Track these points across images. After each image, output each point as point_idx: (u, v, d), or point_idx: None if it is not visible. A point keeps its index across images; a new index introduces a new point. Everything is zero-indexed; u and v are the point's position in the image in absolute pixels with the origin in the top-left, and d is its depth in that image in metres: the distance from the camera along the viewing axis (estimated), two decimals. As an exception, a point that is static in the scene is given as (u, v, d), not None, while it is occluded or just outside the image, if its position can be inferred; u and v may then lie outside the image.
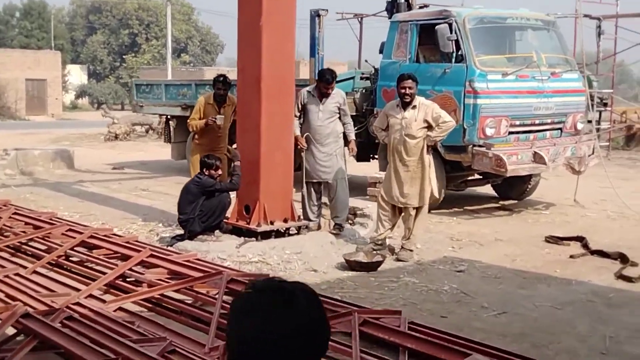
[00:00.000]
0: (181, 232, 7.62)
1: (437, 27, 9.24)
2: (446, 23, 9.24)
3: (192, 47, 58.34)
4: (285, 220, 7.53)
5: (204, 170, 7.56)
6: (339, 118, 8.00)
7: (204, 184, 7.44)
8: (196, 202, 7.45)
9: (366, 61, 11.29)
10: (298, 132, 7.96)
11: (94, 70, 58.18)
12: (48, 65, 41.34)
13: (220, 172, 7.58)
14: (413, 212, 7.18)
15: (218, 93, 8.57)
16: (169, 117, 14.17)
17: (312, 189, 8.06)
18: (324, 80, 7.80)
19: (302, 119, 8.04)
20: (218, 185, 7.44)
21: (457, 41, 9.27)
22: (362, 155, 10.48)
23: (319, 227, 8.12)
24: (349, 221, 8.40)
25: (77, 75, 55.58)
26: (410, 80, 6.98)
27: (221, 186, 7.46)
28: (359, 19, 15.64)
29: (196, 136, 8.67)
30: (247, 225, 7.39)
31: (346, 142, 8.13)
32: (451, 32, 9.19)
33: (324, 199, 8.27)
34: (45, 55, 42.49)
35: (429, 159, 7.09)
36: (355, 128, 9.51)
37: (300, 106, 7.94)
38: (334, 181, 8.00)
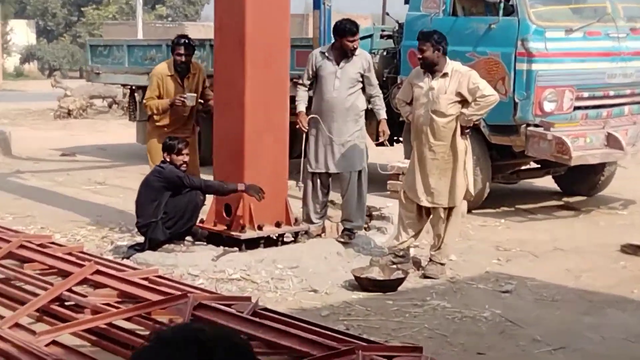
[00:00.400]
0: (142, 239, 7.59)
1: None
2: None
3: (170, -4, 58.30)
4: (278, 225, 7.52)
5: (165, 155, 7.53)
6: (362, 89, 7.97)
7: (167, 175, 7.40)
8: (159, 201, 7.41)
9: (388, 14, 11.24)
10: (303, 108, 7.93)
11: (44, 27, 58.34)
12: (-18, 20, 41.35)
13: (186, 157, 7.53)
14: (444, 214, 7.09)
15: (179, 60, 8.38)
16: (133, 87, 14.17)
17: (317, 182, 8.02)
18: (347, 32, 7.74)
19: (312, 90, 8.04)
20: (187, 179, 7.39)
21: None
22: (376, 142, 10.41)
23: (322, 231, 8.10)
24: (364, 225, 8.38)
25: (23, 33, 55.77)
26: (425, 43, 7.00)
27: (191, 181, 7.42)
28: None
29: (155, 117, 8.51)
30: (228, 231, 7.38)
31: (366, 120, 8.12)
32: None
33: (333, 196, 8.27)
34: (-21, 7, 42.50)
35: (464, 144, 7.00)
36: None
37: (311, 72, 7.93)
38: (348, 174, 7.95)
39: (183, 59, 8.35)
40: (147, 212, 7.41)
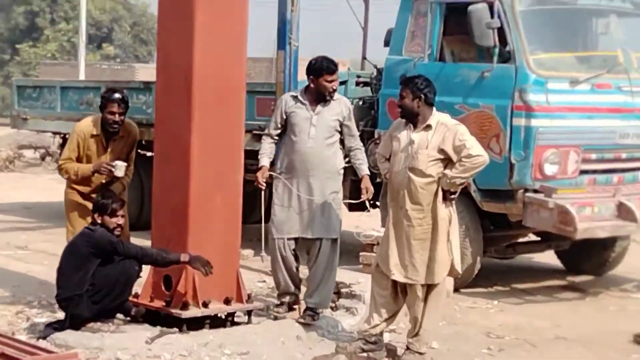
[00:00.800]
0: (63, 315, 7.39)
1: (470, 7, 9.20)
2: (485, 2, 9.18)
3: (120, 33, 58.41)
4: (228, 301, 7.40)
5: (97, 216, 7.39)
6: (341, 141, 7.94)
7: (97, 240, 7.23)
8: (85, 270, 7.22)
9: (365, 58, 11.25)
10: (266, 162, 7.88)
11: (-29, 66, 58.17)
12: None
13: (120, 219, 7.40)
14: (421, 293, 6.95)
15: (111, 120, 7.97)
16: (66, 136, 13.95)
17: (285, 247, 7.90)
18: (325, 70, 7.69)
19: (278, 140, 8.00)
20: (121, 245, 7.24)
21: (501, 29, 9.22)
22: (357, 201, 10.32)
23: (294, 304, 8.01)
24: (330, 304, 8.25)
25: (-55, 72, 55.57)
26: (405, 88, 6.98)
27: (126, 248, 7.26)
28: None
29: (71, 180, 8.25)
30: (167, 308, 7.22)
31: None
32: (492, 16, 9.14)
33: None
34: None
35: (448, 212, 6.87)
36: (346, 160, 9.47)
37: (279, 120, 7.90)
38: (319, 241, 7.85)
39: (116, 118, 7.95)
40: (70, 282, 7.22)
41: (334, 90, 7.76)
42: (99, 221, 7.30)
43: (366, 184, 7.88)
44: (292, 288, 7.97)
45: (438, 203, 6.84)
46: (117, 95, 8.03)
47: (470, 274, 9.45)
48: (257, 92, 11.25)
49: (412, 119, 6.93)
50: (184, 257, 7.04)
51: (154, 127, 7.66)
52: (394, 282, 7.05)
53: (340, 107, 7.86)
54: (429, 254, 6.89)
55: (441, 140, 6.82)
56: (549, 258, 11.16)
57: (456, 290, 9.25)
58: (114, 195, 7.61)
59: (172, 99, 7.32)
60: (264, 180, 7.77)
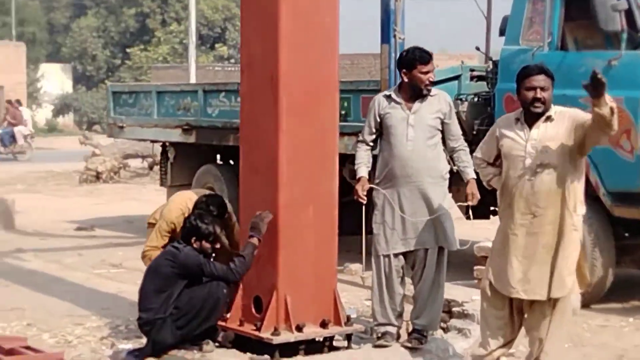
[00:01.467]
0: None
1: None
2: None
3: (234, 33, 58.98)
4: (324, 324, 7.27)
5: (192, 240, 7.33)
6: (442, 140, 7.67)
7: (183, 260, 7.20)
8: (169, 292, 7.22)
9: (477, 49, 10.92)
10: (364, 172, 7.63)
11: (82, 72, 59.70)
12: (7, 64, 42.32)
13: (218, 244, 7.39)
14: (547, 311, 6.58)
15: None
16: (166, 145, 14.26)
17: (389, 267, 7.62)
18: (418, 59, 7.45)
19: (378, 146, 7.77)
20: (209, 267, 7.19)
21: (629, 12, 9.03)
22: (475, 208, 10.00)
23: (398, 337, 7.71)
24: (441, 324, 8.04)
25: (57, 79, 57.13)
26: (542, 76, 6.55)
27: (213, 268, 7.20)
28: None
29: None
30: (256, 333, 7.10)
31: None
32: None
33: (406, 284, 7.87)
34: (2, 49, 43.69)
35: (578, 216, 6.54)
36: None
37: (373, 124, 7.66)
38: (424, 251, 7.58)
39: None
40: (153, 305, 7.22)
41: (431, 83, 7.49)
42: (196, 246, 7.28)
43: (472, 189, 7.58)
44: (392, 319, 7.63)
45: (568, 204, 6.53)
46: (213, 207, 7.70)
47: (602, 288, 9.20)
48: (362, 91, 11.06)
49: (543, 113, 6.57)
50: (254, 240, 7.02)
51: (239, 134, 7.57)
52: (511, 300, 6.69)
53: (440, 103, 7.58)
54: (554, 266, 6.51)
55: (571, 125, 6.51)
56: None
57: (585, 306, 9.05)
58: (215, 209, 7.58)
59: (258, 102, 7.24)
60: (364, 193, 7.51)
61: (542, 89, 6.49)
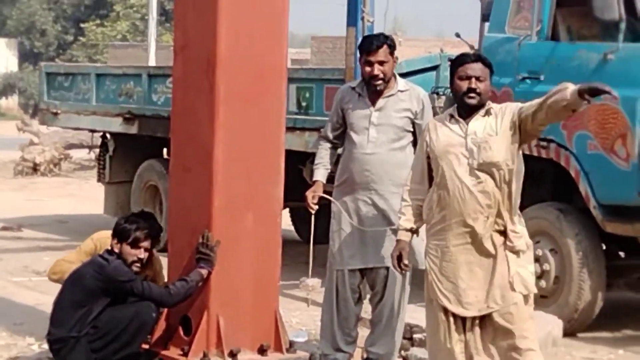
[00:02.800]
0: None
1: None
2: None
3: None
4: (263, 350, 7.23)
5: (115, 242, 7.32)
6: (413, 142, 7.54)
7: (111, 273, 7.14)
8: (88, 308, 7.15)
9: (457, 35, 10.92)
10: (320, 176, 7.60)
11: (30, 49, 59.66)
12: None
13: (142, 252, 7.30)
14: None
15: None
16: (106, 135, 14.31)
17: (343, 283, 7.58)
18: (365, 48, 7.35)
19: (339, 144, 7.72)
20: (139, 285, 7.12)
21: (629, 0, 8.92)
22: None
23: None
24: (400, 353, 7.95)
25: (1, 56, 56.97)
26: (479, 65, 6.46)
27: (146, 288, 7.14)
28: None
29: None
30: (183, 358, 7.04)
31: None
32: None
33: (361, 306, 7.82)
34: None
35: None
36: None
37: (336, 119, 7.62)
38: (385, 270, 7.48)
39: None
40: (68, 320, 7.14)
41: (376, 77, 7.30)
42: (117, 250, 7.25)
43: None
44: (342, 345, 7.55)
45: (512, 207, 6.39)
46: (143, 228, 7.43)
47: (590, 315, 9.09)
48: (325, 80, 10.99)
49: (480, 106, 6.45)
50: (203, 271, 6.99)
51: (171, 128, 7.51)
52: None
53: (411, 99, 7.45)
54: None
55: (509, 117, 6.35)
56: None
57: (570, 334, 8.96)
58: (144, 221, 7.42)
59: (191, 89, 7.20)
60: (314, 201, 7.43)
61: (477, 78, 6.39)
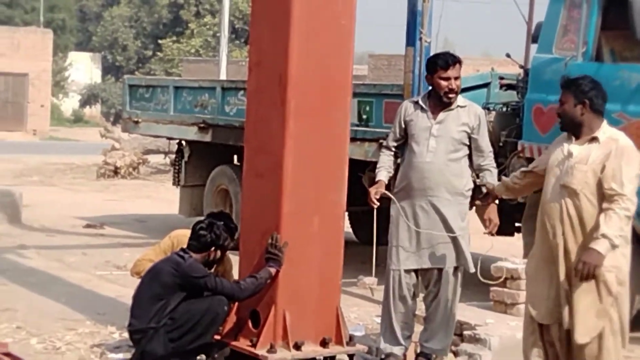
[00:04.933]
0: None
1: None
2: None
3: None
4: (325, 343, 7.09)
5: (195, 244, 7.26)
6: (469, 156, 7.48)
7: (187, 270, 7.08)
8: (166, 301, 7.10)
9: (508, 56, 10.72)
10: (383, 176, 7.54)
11: (112, 62, 59.92)
12: (32, 51, 42.49)
13: (223, 253, 7.37)
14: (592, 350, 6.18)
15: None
16: (182, 142, 14.32)
17: (400, 282, 7.48)
18: (440, 64, 7.30)
19: (400, 154, 7.67)
20: (212, 281, 7.05)
21: None
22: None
23: (404, 358, 7.57)
24: (451, 347, 7.81)
25: (86, 69, 57.37)
26: (566, 92, 6.32)
27: (218, 283, 7.07)
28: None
29: None
30: (251, 349, 6.94)
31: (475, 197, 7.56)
32: None
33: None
34: (29, 35, 43.79)
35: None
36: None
37: (398, 130, 7.54)
38: (438, 272, 7.42)
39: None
40: (147, 313, 7.10)
41: (452, 91, 7.26)
42: (209, 256, 7.26)
43: (490, 215, 7.34)
44: (400, 339, 7.45)
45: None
46: (221, 231, 7.41)
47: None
48: (384, 95, 10.92)
49: (575, 130, 6.25)
50: (272, 269, 6.88)
51: (244, 138, 7.41)
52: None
53: (469, 115, 7.38)
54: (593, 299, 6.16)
55: (604, 156, 6.11)
56: None
57: None
58: (219, 223, 7.38)
59: (264, 103, 7.10)
60: (377, 197, 7.33)
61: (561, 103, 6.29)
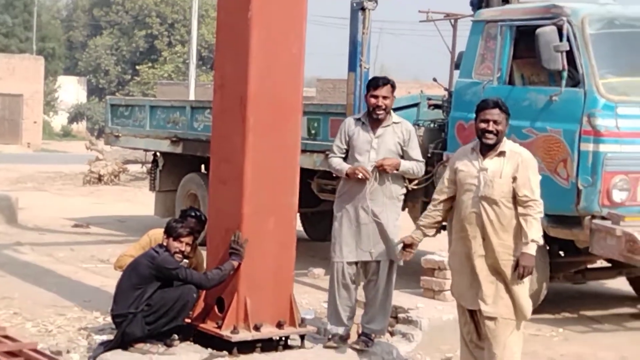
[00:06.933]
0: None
1: (538, 30, 8.71)
2: (554, 25, 8.70)
3: (231, 56, 59.04)
4: (280, 325, 7.11)
5: (164, 237, 7.23)
6: None
7: (159, 263, 7.03)
8: (143, 289, 7.04)
9: (435, 80, 10.68)
10: (347, 165, 7.30)
11: (96, 85, 59.32)
12: (26, 75, 42.12)
13: (184, 246, 7.17)
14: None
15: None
16: (156, 154, 14.17)
17: (343, 273, 7.40)
18: (371, 84, 7.30)
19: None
20: (183, 272, 7.01)
21: (570, 53, 8.75)
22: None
23: (347, 338, 7.46)
24: (388, 329, 7.81)
25: (73, 90, 56.78)
26: (496, 110, 6.22)
27: (188, 274, 7.03)
28: (452, 20, 14.66)
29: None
30: (217, 330, 6.93)
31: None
32: (561, 39, 8.66)
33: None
34: (23, 61, 43.38)
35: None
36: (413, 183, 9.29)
37: (342, 142, 7.43)
38: (377, 263, 7.35)
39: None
40: (127, 300, 7.04)
41: (379, 107, 7.17)
42: (165, 243, 7.14)
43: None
44: (344, 320, 7.39)
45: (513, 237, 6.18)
46: (188, 223, 7.40)
47: (536, 300, 8.69)
48: (330, 114, 10.94)
49: (495, 145, 6.20)
50: (235, 262, 6.88)
51: (210, 150, 7.36)
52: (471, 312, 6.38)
53: (401, 129, 7.34)
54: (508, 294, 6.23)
55: (513, 170, 6.14)
56: (621, 284, 10.55)
57: None
58: (188, 221, 7.42)
59: (228, 121, 7.07)
60: (365, 171, 7.11)
61: (495, 122, 6.14)
